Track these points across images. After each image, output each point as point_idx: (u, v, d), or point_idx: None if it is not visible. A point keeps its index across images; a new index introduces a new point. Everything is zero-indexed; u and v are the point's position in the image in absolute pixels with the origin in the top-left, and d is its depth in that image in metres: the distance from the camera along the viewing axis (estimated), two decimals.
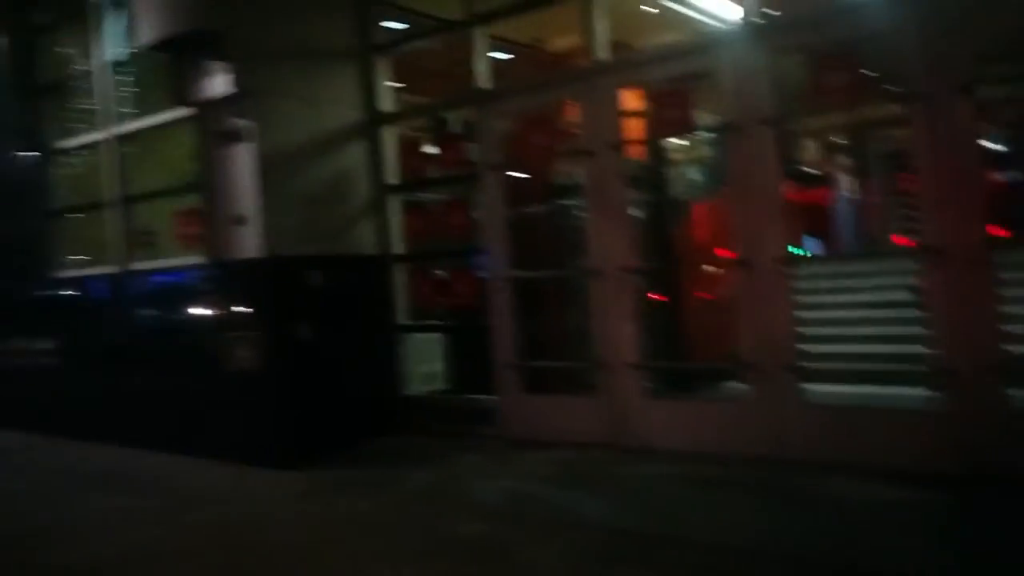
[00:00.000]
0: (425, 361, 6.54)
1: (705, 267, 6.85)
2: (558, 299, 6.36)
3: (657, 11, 8.04)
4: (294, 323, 5.51)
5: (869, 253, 11.33)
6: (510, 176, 5.81)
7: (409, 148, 6.48)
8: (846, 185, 12.26)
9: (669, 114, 5.00)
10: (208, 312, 5.78)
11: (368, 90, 6.32)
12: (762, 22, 4.77)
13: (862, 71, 4.32)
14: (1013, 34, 3.95)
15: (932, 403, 4.28)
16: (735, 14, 4.94)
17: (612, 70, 5.31)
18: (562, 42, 8.84)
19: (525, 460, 5.17)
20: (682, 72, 5.12)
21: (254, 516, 4.51)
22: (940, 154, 4.15)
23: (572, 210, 6.07)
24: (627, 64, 5.45)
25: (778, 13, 4.84)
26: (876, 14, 4.44)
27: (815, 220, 11.60)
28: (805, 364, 4.73)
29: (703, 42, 5.48)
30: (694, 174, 8.33)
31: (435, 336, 6.61)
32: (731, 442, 4.78)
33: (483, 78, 5.83)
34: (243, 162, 5.45)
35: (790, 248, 4.78)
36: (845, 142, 12.67)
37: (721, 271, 6.55)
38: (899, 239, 13.57)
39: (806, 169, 12.32)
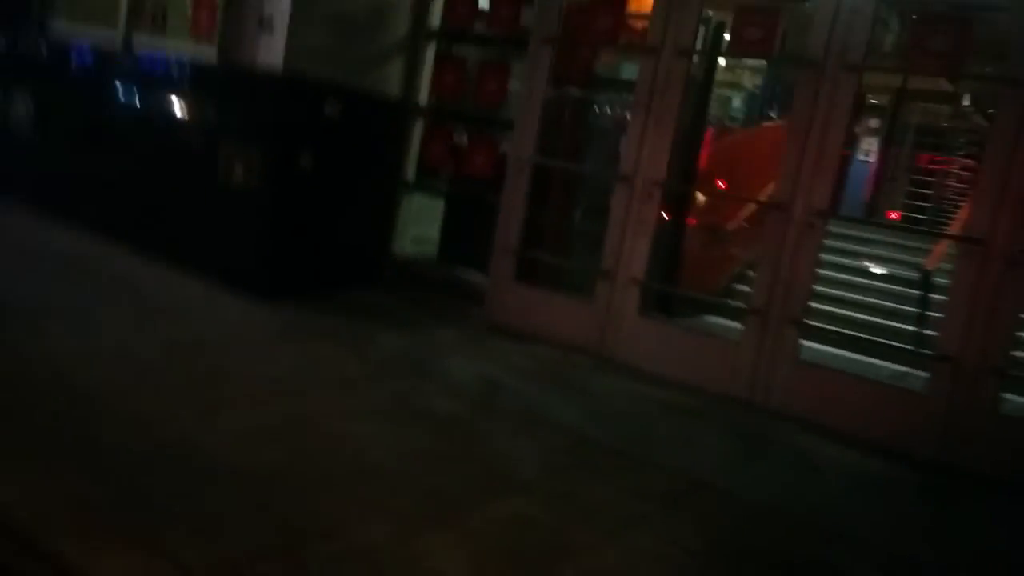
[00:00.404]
0: (421, 223, 6.28)
1: (723, 197, 6.66)
2: (572, 194, 6.11)
3: None
4: (299, 150, 5.15)
5: (882, 223, 11.21)
6: (560, 54, 5.40)
7: None
8: (866, 147, 12.03)
9: (752, 33, 4.63)
10: (210, 116, 5.37)
11: None
12: None
13: (967, 42, 4.03)
14: None
15: (924, 386, 4.27)
16: None
17: None
18: None
19: (504, 348, 5.04)
20: None
21: (228, 347, 4.25)
22: (1019, 145, 3.96)
23: (613, 106, 5.74)
24: None
25: None
26: None
27: None
28: (809, 321, 4.66)
29: None
30: (734, 101, 8.00)
31: (437, 200, 6.33)
32: (715, 378, 4.71)
33: None
34: None
35: None
36: (880, 104, 12.33)
37: (741, 204, 6.37)
38: (892, 214, 13.55)
39: None
